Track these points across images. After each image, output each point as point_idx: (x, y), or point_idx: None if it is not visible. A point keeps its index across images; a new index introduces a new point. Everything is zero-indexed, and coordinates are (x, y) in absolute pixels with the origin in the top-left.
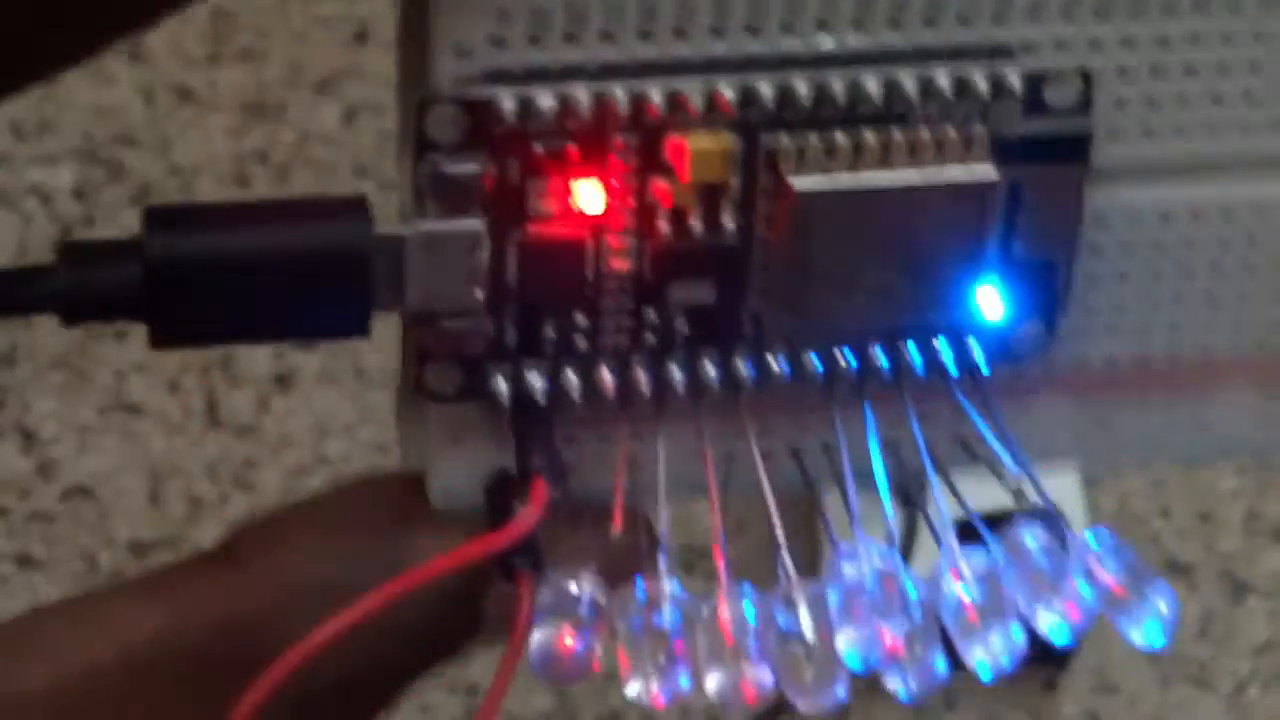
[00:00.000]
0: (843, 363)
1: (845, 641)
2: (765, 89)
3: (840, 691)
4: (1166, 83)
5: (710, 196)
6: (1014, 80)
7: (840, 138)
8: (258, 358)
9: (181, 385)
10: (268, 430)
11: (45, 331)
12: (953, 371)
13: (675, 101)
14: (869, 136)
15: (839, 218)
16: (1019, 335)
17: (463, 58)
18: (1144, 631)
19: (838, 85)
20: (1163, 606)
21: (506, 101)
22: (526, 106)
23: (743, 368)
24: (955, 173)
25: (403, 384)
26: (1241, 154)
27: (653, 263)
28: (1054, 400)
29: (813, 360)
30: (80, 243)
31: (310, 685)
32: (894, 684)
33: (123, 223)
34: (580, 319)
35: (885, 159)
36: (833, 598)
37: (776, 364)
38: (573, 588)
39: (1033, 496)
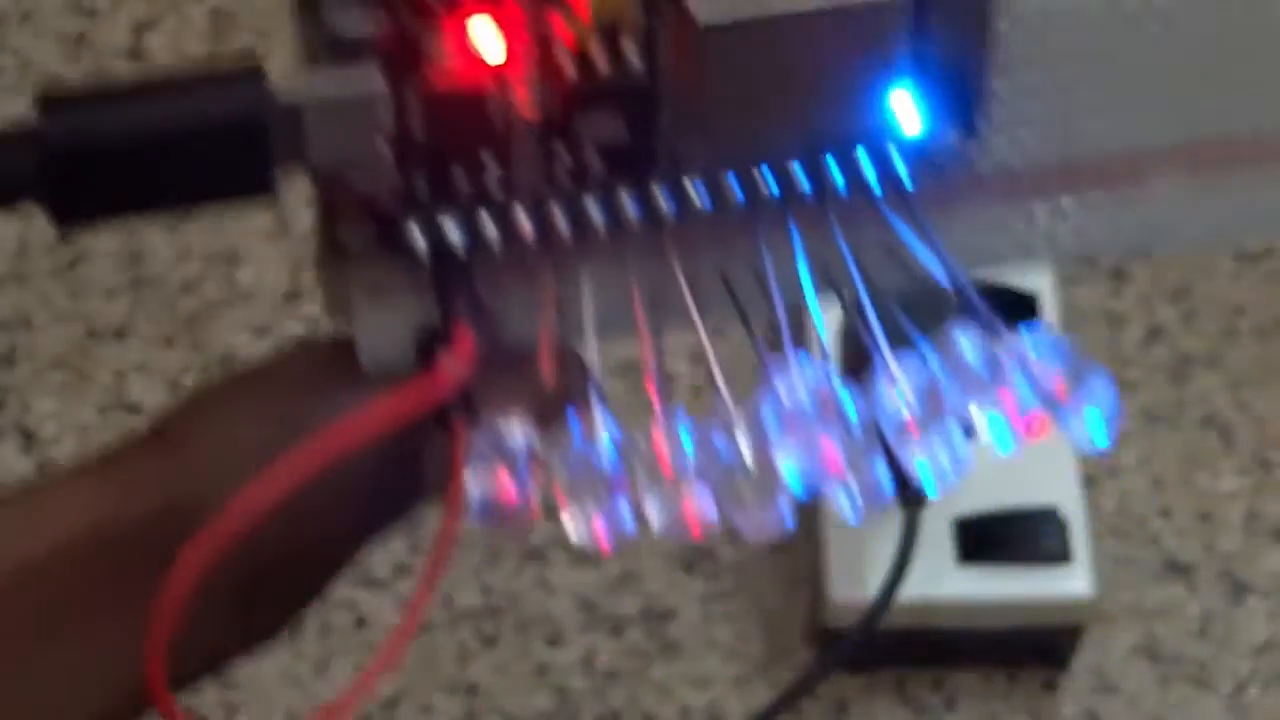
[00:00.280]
0: (763, 187)
1: (784, 459)
2: None
3: (784, 511)
4: None
5: (613, 34)
6: None
7: None
8: (258, 357)
9: (181, 385)
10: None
11: (45, 331)
12: (875, 186)
13: None
14: None
15: (745, 46)
16: (939, 143)
17: None
18: (1085, 425)
19: None
20: (1102, 396)
21: None
22: None
23: (662, 200)
24: None
25: (320, 245)
26: None
27: (561, 106)
28: (985, 206)
29: (732, 187)
30: None
31: (253, 561)
32: (838, 500)
33: (124, 224)
34: (492, 164)
35: None
36: (769, 416)
37: (696, 193)
38: (505, 431)
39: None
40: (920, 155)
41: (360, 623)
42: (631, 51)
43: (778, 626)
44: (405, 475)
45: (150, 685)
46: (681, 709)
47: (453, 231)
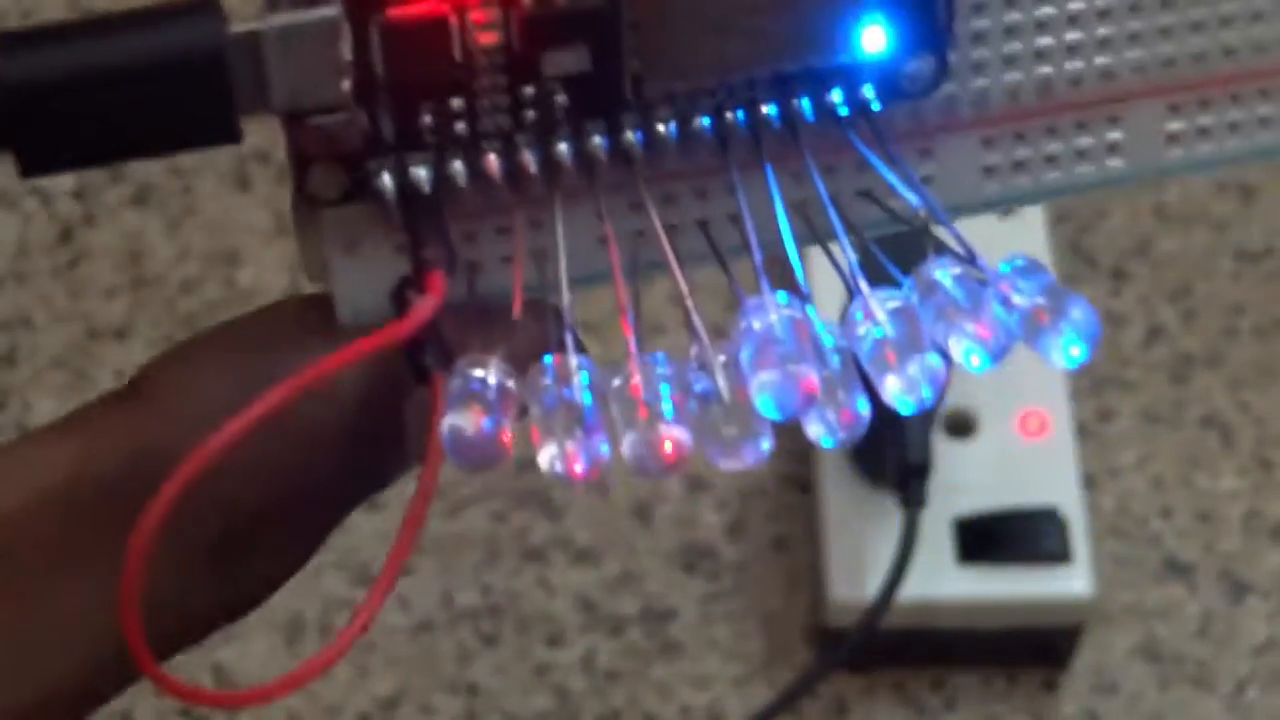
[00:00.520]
0: (730, 117)
1: (759, 387)
2: None
3: (763, 445)
4: None
5: None
6: None
7: None
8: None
9: None
10: None
11: (45, 331)
12: (843, 111)
13: None
14: None
15: None
16: (911, 70)
17: None
18: (1063, 346)
19: None
20: (1081, 319)
21: None
22: None
23: (630, 135)
24: None
25: (294, 200)
26: None
27: (521, 33)
28: (961, 141)
29: (700, 120)
30: None
31: (227, 518)
32: (815, 429)
33: (124, 223)
34: (456, 102)
35: None
36: (745, 352)
37: (664, 127)
38: (478, 371)
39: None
40: (892, 84)
41: None
42: None
43: (778, 626)
44: (385, 437)
45: (126, 637)
46: (681, 709)
47: (420, 172)
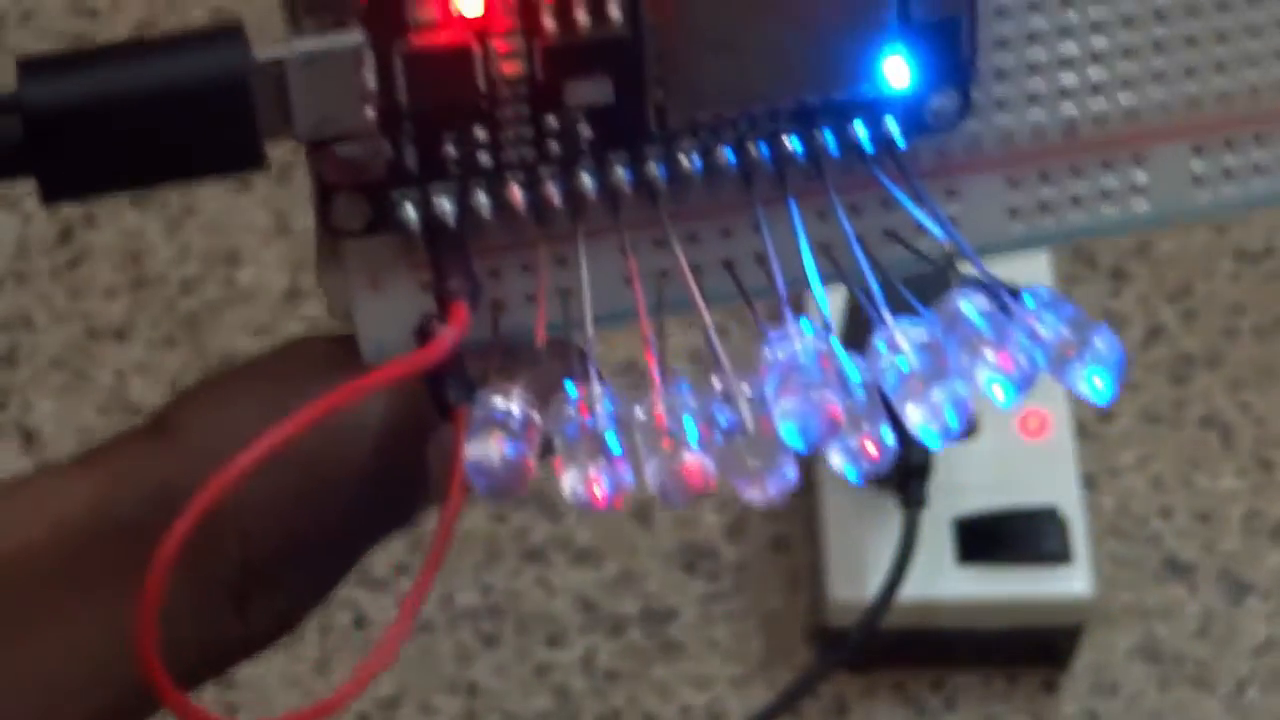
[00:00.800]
0: (754, 151)
1: (782, 414)
2: None
3: (788, 474)
4: None
5: None
6: None
7: None
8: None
9: (182, 385)
10: None
11: (45, 331)
12: (867, 146)
13: None
14: None
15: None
16: (934, 105)
17: None
18: (1087, 377)
19: None
20: (1107, 352)
21: None
22: None
23: (654, 167)
24: None
25: (318, 234)
26: None
27: (544, 63)
28: (985, 181)
29: (725, 152)
30: None
31: (247, 554)
32: (838, 460)
33: (124, 223)
34: (480, 133)
35: None
36: (769, 383)
37: (688, 160)
38: (500, 401)
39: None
40: (915, 118)
41: (360, 623)
42: (613, 4)
43: (778, 626)
44: (407, 476)
45: (143, 668)
46: (681, 709)
47: (444, 204)
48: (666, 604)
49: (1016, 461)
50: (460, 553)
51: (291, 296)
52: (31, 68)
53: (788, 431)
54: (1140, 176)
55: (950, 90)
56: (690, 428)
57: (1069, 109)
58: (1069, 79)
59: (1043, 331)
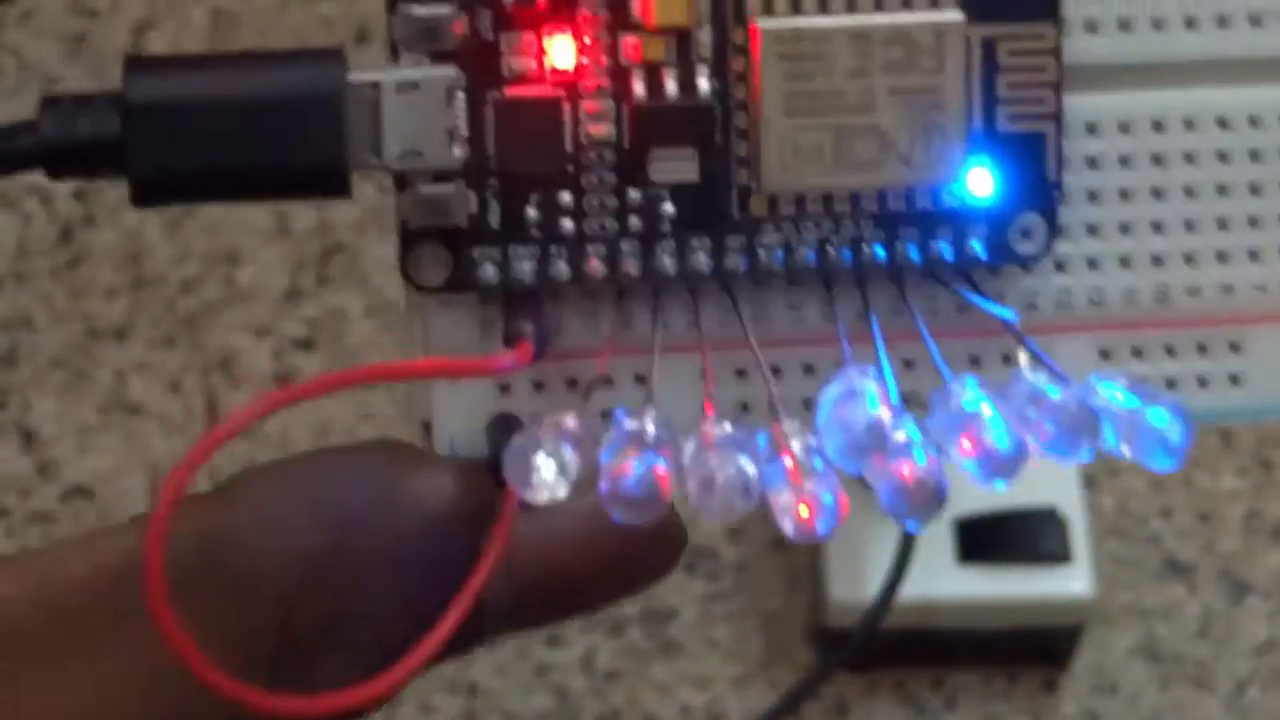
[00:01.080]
0: (834, 251)
1: (841, 469)
2: None
3: (831, 519)
4: None
5: (683, 53)
6: None
7: None
8: (258, 358)
9: (182, 385)
10: (268, 431)
11: (45, 331)
12: (948, 256)
13: None
14: None
15: (807, 60)
16: (1017, 228)
17: None
18: (1156, 453)
19: None
20: (1171, 425)
21: None
22: None
23: (734, 256)
24: (921, 15)
25: (406, 297)
26: (1250, 52)
27: (631, 126)
28: (1075, 344)
29: (806, 253)
30: (61, 96)
31: (285, 622)
32: (893, 511)
33: (124, 223)
34: (564, 197)
35: (851, 4)
36: (824, 433)
37: (768, 254)
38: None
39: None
40: (1001, 241)
41: None
42: (702, 76)
43: (778, 626)
44: (460, 562)
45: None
46: (681, 709)
47: (525, 267)
48: (666, 604)
49: None
50: None
51: (291, 296)
52: (133, 66)
53: (832, 482)
54: (1238, 364)
55: (1033, 213)
56: (739, 473)
57: (1161, 276)
58: (1159, 243)
59: (1107, 412)
